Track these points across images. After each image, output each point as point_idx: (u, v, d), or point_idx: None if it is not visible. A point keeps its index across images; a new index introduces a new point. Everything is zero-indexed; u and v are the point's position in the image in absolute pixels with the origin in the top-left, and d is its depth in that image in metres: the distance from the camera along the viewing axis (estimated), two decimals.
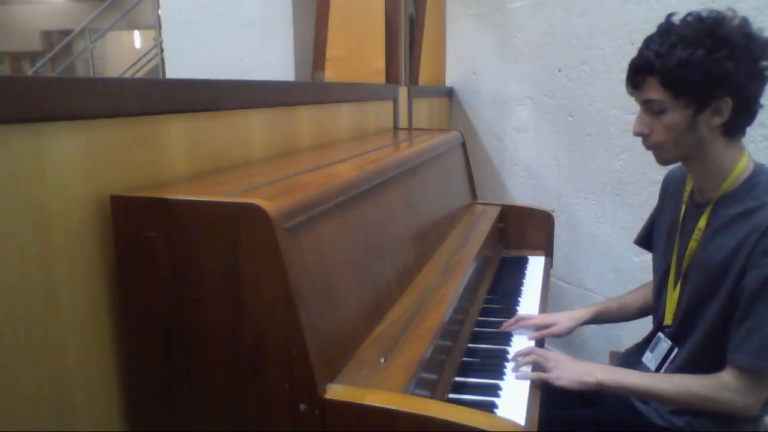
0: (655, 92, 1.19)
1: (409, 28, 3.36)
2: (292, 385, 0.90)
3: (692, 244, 1.30)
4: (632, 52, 1.25)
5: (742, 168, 1.23)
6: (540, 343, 1.55)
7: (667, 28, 1.19)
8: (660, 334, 1.39)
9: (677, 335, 1.35)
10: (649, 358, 1.41)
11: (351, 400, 0.89)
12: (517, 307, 1.72)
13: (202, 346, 0.95)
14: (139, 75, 7.94)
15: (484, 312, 1.68)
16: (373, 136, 2.15)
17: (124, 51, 10.34)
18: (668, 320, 1.36)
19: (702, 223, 1.28)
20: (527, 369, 1.34)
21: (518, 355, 1.37)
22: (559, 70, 2.60)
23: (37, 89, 0.84)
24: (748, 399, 1.17)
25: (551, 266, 2.15)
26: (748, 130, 1.25)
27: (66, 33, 8.79)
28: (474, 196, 2.37)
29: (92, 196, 0.94)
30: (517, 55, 2.84)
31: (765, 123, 1.81)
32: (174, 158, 1.12)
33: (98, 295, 0.96)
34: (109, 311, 0.98)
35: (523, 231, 2.26)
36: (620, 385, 1.27)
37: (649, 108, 1.22)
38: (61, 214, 0.89)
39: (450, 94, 3.33)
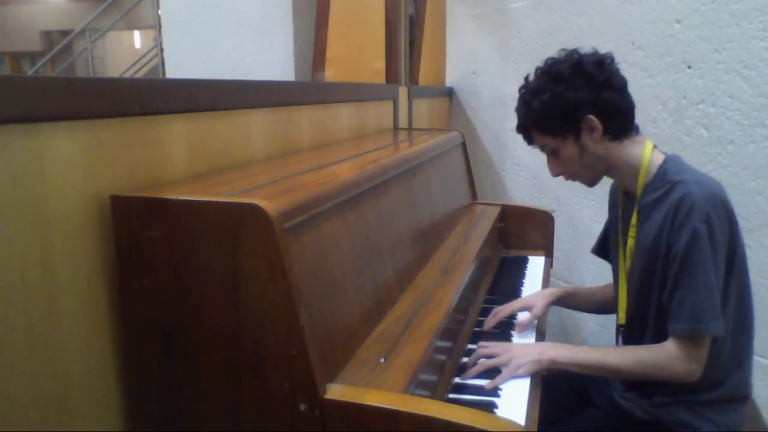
0: (542, 139, 1.39)
1: (409, 28, 3.35)
2: (292, 385, 0.90)
3: (630, 241, 1.37)
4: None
5: (649, 158, 1.33)
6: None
7: (523, 87, 1.39)
8: (619, 335, 1.45)
9: (630, 332, 1.41)
10: None
11: (351, 400, 0.90)
12: None
13: (202, 346, 0.95)
14: (139, 75, 7.94)
15: (484, 312, 1.67)
16: (373, 136, 2.15)
17: (124, 51, 10.33)
18: (621, 319, 1.42)
19: (634, 219, 1.36)
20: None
21: (468, 368, 1.31)
22: None
23: (37, 89, 0.84)
24: (690, 365, 1.23)
25: (551, 266, 2.15)
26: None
27: (66, 33, 8.80)
28: (474, 196, 2.37)
29: (92, 196, 0.94)
30: (517, 55, 2.83)
31: (765, 123, 1.80)
32: (174, 158, 1.12)
33: (98, 295, 0.96)
34: (109, 311, 0.98)
35: (523, 231, 2.26)
36: (573, 361, 1.30)
37: (547, 152, 1.40)
38: (61, 214, 0.89)
39: (450, 94, 3.33)
